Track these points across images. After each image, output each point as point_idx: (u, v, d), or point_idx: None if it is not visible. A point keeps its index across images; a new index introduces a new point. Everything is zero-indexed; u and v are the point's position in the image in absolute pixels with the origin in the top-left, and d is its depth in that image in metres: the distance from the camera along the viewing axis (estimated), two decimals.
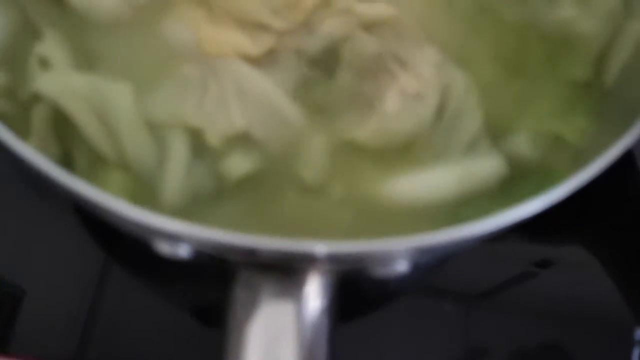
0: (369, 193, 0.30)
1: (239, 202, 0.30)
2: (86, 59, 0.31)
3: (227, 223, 0.29)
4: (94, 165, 0.29)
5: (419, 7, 0.34)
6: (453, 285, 0.41)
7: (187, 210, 0.29)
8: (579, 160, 0.29)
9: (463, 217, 0.28)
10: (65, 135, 0.29)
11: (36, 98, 0.29)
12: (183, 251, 0.25)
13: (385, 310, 0.40)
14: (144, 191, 0.29)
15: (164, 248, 0.25)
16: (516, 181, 0.31)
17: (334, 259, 0.25)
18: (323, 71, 0.32)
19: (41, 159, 0.25)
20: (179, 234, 0.24)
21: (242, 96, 0.30)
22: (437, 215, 0.30)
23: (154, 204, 0.29)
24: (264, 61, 0.32)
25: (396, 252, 0.24)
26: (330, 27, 0.32)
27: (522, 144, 0.32)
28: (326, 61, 0.32)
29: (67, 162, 0.29)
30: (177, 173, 0.29)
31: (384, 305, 0.40)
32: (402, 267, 0.25)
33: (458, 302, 0.40)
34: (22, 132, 0.28)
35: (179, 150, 0.29)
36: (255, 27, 0.32)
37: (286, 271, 0.25)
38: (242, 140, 0.30)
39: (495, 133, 0.32)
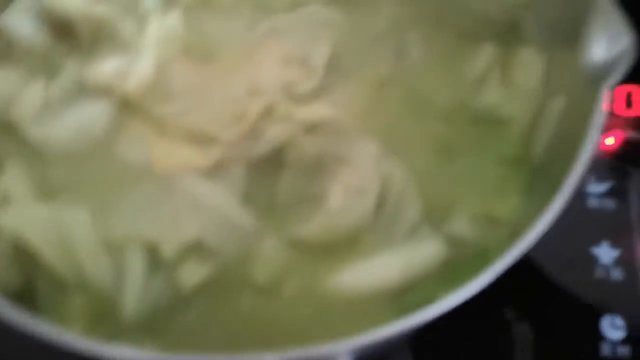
0: (318, 288, 0.32)
1: (198, 309, 0.32)
2: (46, 188, 0.33)
3: (187, 330, 0.31)
4: (55, 290, 0.31)
5: (355, 103, 0.37)
6: None
7: (148, 321, 0.31)
8: (516, 236, 0.31)
9: (407, 304, 0.29)
10: (26, 263, 0.31)
11: None
12: None
13: None
14: (105, 310, 0.30)
15: None
16: (457, 264, 0.33)
17: None
18: (270, 175, 0.35)
19: None
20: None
21: (194, 208, 0.33)
22: (384, 304, 0.32)
23: (116, 321, 0.30)
24: (213, 171, 0.34)
25: (339, 352, 0.26)
26: (274, 133, 0.35)
27: (461, 226, 0.34)
28: (272, 165, 0.35)
29: (29, 289, 0.30)
30: (134, 288, 0.31)
31: None
32: None
33: None
34: None
35: (135, 266, 0.31)
36: (205, 139, 0.35)
37: None
38: (196, 249, 0.32)
39: (435, 218, 0.34)
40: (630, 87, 0.51)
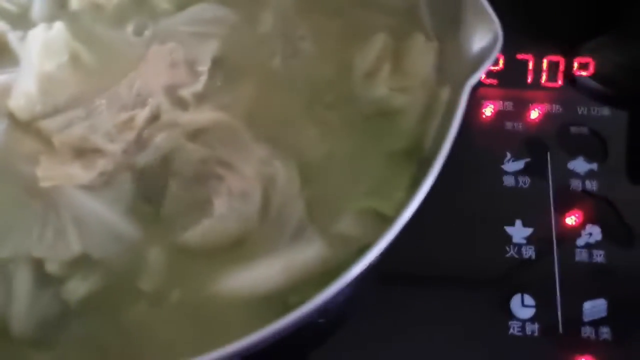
0: (202, 293, 0.33)
1: (87, 321, 0.33)
2: None
3: (78, 342, 0.32)
4: None
5: (244, 103, 0.37)
6: None
7: (39, 335, 0.32)
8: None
9: (292, 306, 0.30)
10: None
11: None
12: None
13: None
14: None
15: None
16: (342, 262, 0.34)
17: None
18: (157, 184, 0.35)
19: None
20: None
21: (78, 222, 0.34)
22: (269, 306, 0.33)
23: (7, 335, 0.32)
24: (99, 184, 0.35)
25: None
26: (159, 140, 0.35)
27: (347, 224, 0.35)
28: (159, 174, 0.35)
29: None
30: (21, 304, 0.32)
31: None
32: None
33: None
34: None
35: (22, 283, 0.32)
36: (92, 152, 0.35)
37: None
38: (83, 263, 0.33)
39: (322, 217, 0.35)
40: (556, 58, 0.51)
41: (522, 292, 0.43)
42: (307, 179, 0.36)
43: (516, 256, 0.44)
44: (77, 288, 0.33)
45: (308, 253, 0.34)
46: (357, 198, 0.35)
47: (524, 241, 0.44)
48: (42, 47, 0.36)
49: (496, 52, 0.32)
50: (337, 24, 0.39)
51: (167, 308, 0.33)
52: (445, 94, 0.36)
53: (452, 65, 0.36)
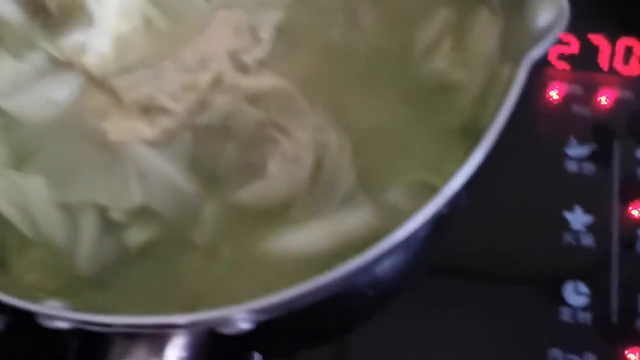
0: (251, 250, 0.35)
1: (144, 267, 0.35)
2: (19, 154, 0.37)
3: (132, 286, 0.35)
4: (22, 246, 0.35)
5: (303, 72, 0.38)
6: None
7: (98, 277, 0.35)
8: None
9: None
10: None
11: None
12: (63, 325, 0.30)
13: None
14: (59, 264, 0.34)
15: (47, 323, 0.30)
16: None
17: (189, 325, 0.29)
18: (215, 144, 0.37)
19: None
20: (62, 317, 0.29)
21: (141, 175, 0.36)
22: (314, 270, 0.34)
23: (69, 274, 0.34)
24: (162, 140, 0.37)
25: (235, 316, 0.28)
26: (220, 103, 0.37)
27: (397, 194, 0.35)
28: (217, 135, 0.37)
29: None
30: (88, 246, 0.35)
31: None
32: (246, 325, 0.29)
33: None
34: None
35: (88, 226, 0.35)
36: (157, 110, 0.37)
37: (154, 335, 0.30)
38: (143, 213, 0.35)
39: (373, 186, 0.35)
40: (632, 41, 0.48)
41: (577, 279, 0.42)
42: (360, 148, 0.36)
43: (573, 243, 0.43)
44: (137, 235, 0.35)
45: (355, 219, 0.34)
46: (408, 170, 0.36)
47: (583, 228, 0.43)
48: (119, 9, 0.39)
49: (560, 28, 0.31)
50: None
51: (219, 261, 0.35)
52: (506, 71, 0.35)
53: (515, 41, 0.35)
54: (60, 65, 0.38)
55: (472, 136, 0.36)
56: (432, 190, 0.35)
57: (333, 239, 0.34)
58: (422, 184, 0.35)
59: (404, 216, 0.34)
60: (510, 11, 0.37)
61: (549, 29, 0.31)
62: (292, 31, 0.38)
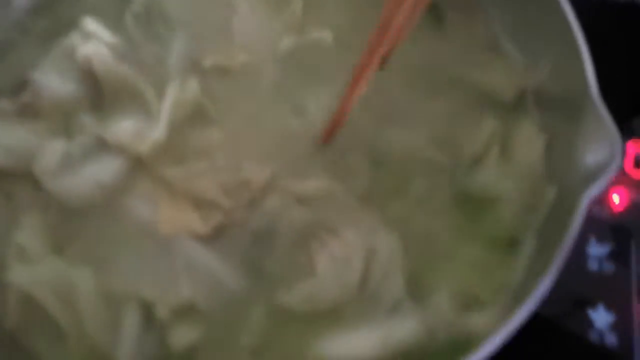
0: (302, 355, 0.34)
1: None
2: (59, 240, 0.36)
3: None
4: (55, 337, 0.34)
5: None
6: None
7: None
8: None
9: None
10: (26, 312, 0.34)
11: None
12: None
13: None
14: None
15: None
16: (435, 342, 0.34)
17: None
18: (263, 242, 0.36)
19: None
20: None
21: (190, 270, 0.35)
22: None
23: None
24: (212, 236, 0.36)
25: None
26: (271, 203, 0.37)
27: (443, 303, 0.35)
28: (266, 233, 0.36)
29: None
30: (129, 343, 0.33)
31: None
32: None
33: None
34: None
35: (131, 322, 0.34)
36: (208, 205, 0.37)
37: None
38: (189, 311, 0.34)
39: (419, 292, 0.36)
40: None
41: None
42: (407, 253, 0.36)
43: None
44: (183, 336, 0.34)
45: (406, 327, 0.34)
46: (454, 278, 0.36)
47: (606, 327, 0.44)
48: (175, 100, 0.39)
49: (614, 170, 0.31)
50: (442, 104, 0.40)
51: None
52: (551, 193, 0.37)
53: (561, 164, 0.37)
54: (109, 148, 0.38)
55: (511, 247, 0.37)
56: (477, 300, 0.36)
57: (384, 347, 0.34)
58: (467, 293, 0.36)
59: (451, 327, 0.35)
60: (555, 132, 0.39)
61: (602, 167, 0.32)
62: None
